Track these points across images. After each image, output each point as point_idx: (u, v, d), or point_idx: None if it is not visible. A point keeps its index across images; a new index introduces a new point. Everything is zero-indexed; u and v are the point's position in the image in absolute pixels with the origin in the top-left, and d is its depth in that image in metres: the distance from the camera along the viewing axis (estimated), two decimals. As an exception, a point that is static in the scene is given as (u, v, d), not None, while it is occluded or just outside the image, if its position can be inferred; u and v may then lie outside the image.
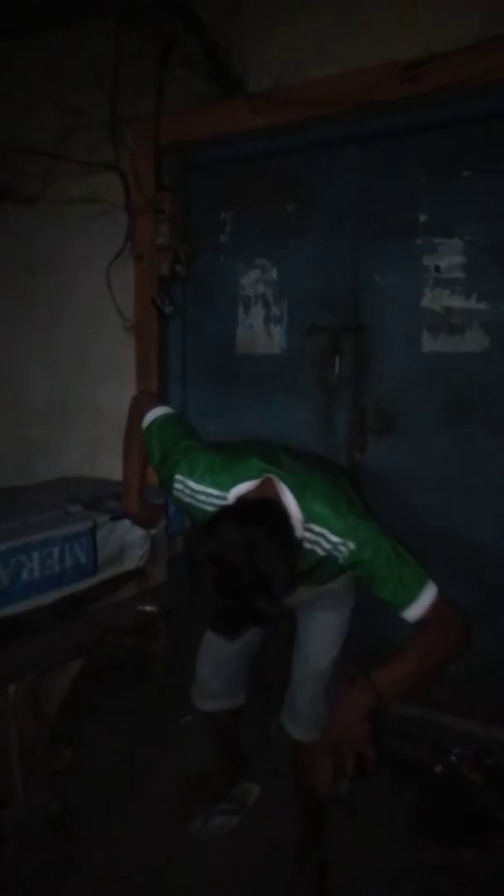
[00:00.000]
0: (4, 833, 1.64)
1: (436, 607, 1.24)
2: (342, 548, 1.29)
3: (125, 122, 2.51)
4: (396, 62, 2.05)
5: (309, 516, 1.31)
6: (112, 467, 2.77)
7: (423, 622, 1.24)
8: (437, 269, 2.22)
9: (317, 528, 1.32)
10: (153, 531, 2.11)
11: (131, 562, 2.20)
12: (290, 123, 2.28)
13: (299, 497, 1.32)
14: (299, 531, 1.29)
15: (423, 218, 2.23)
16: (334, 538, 1.30)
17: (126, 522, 2.16)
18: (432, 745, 2.21)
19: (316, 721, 1.65)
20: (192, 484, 1.43)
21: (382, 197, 2.29)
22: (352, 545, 1.28)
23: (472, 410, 2.22)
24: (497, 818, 1.93)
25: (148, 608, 2.08)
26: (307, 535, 1.32)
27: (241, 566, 1.12)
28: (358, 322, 2.35)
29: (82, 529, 1.99)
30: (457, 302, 2.20)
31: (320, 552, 1.33)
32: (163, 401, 2.61)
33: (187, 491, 1.44)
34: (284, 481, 1.33)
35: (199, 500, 1.43)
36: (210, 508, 1.39)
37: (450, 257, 2.20)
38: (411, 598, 1.24)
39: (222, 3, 2.30)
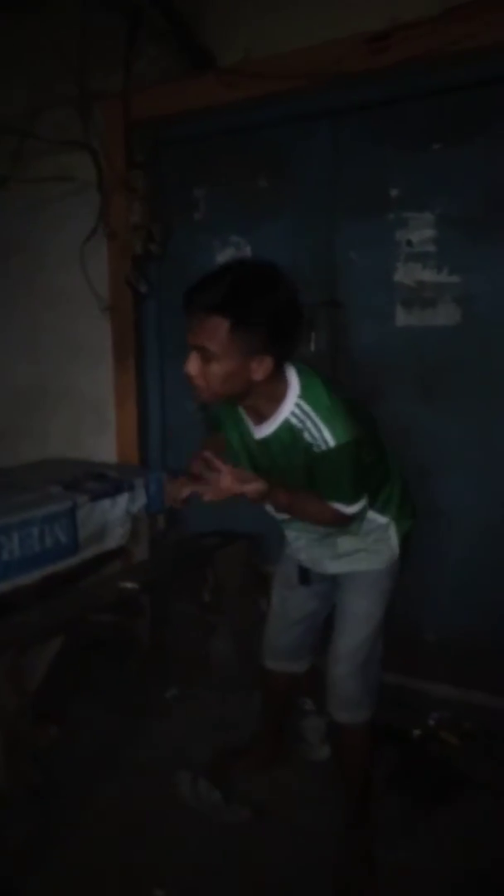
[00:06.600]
0: None
1: (344, 513, 1.52)
2: (321, 439, 1.41)
3: (95, 99, 2.48)
4: (363, 33, 2.02)
5: (304, 392, 1.44)
6: (92, 448, 2.80)
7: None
8: (409, 243, 2.22)
9: (306, 407, 1.43)
10: None
11: (113, 540, 2.23)
12: (261, 97, 2.25)
13: (303, 377, 1.47)
14: (292, 400, 1.44)
15: (394, 192, 2.23)
16: (321, 425, 1.41)
17: (106, 503, 2.19)
18: (412, 710, 2.26)
19: (348, 702, 1.71)
20: None
21: (355, 172, 2.28)
22: (331, 444, 1.40)
23: (446, 384, 2.24)
24: (473, 778, 1.99)
25: (129, 585, 2.11)
26: (296, 410, 1.44)
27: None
28: (333, 297, 2.36)
29: (61, 510, 2.01)
30: (429, 276, 2.21)
31: (298, 427, 1.43)
32: (141, 382, 2.67)
33: None
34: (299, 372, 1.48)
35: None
36: None
37: (421, 231, 2.20)
38: (336, 500, 1.50)
39: (189, -24, 2.27)
